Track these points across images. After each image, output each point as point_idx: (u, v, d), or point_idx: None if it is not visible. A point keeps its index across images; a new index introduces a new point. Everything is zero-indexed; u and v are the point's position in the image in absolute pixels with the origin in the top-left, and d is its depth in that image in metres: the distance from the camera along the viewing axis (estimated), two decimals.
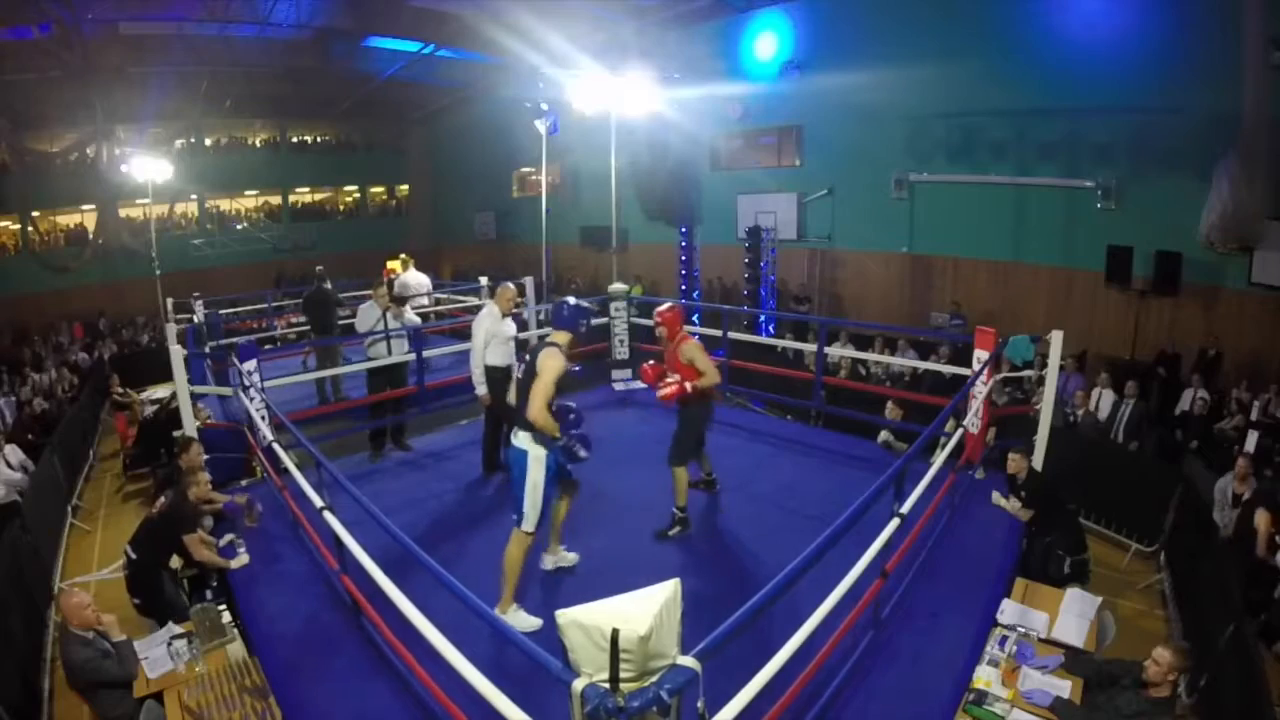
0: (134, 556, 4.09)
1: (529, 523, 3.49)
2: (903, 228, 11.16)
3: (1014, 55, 9.39)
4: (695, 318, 12.46)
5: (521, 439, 3.47)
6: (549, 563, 4.05)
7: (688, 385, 4.27)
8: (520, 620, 3.49)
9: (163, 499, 4.36)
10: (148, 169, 13.08)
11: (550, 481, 3.50)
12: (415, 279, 9.94)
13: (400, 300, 6.55)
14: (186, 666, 3.41)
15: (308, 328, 8.79)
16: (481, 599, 2.37)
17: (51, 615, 4.90)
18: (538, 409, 3.32)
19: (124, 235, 15.47)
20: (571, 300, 3.79)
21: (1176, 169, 8.26)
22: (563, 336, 3.59)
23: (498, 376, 5.14)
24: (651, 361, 4.74)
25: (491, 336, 5.15)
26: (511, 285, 5.40)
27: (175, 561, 4.35)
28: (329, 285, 8.42)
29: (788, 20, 11.86)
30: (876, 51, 10.64)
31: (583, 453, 3.51)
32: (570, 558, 4.09)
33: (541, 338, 3.99)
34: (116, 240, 15.41)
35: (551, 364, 3.37)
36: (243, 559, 4.27)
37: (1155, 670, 2.95)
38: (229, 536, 4.41)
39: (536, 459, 3.44)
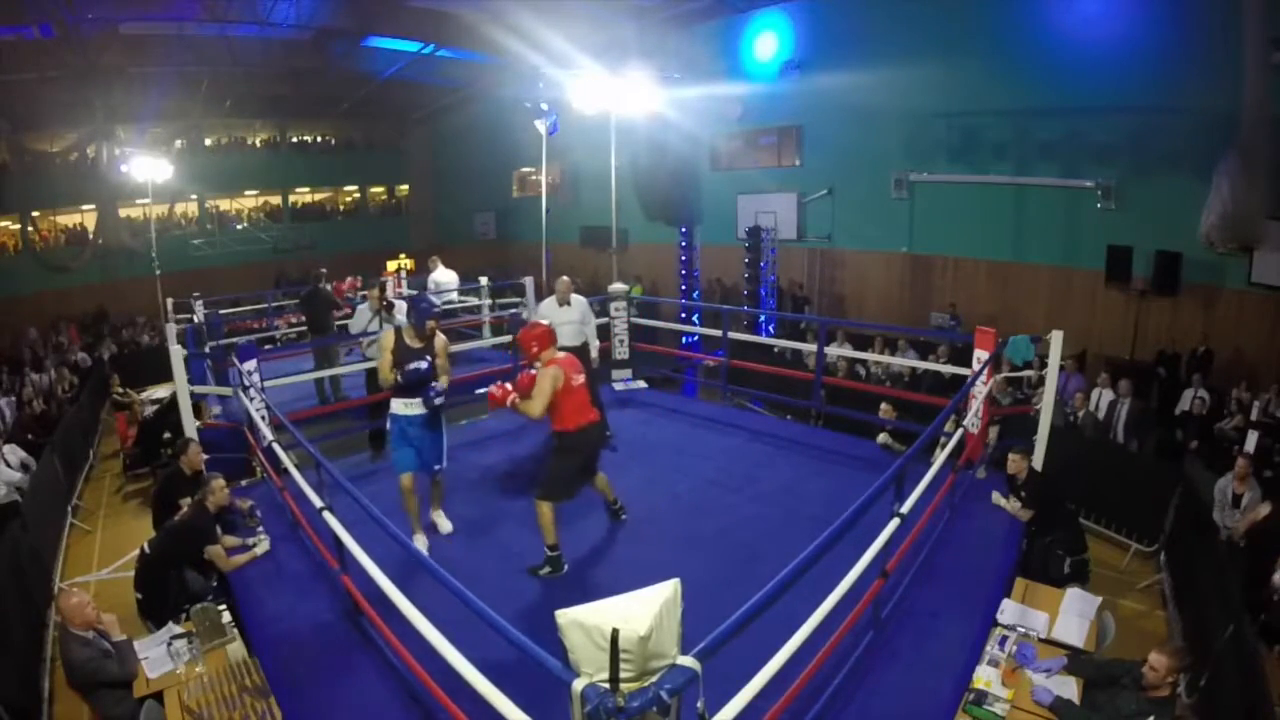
0: (148, 552, 4.13)
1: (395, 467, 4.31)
2: (902, 228, 11.16)
3: (1014, 55, 9.40)
4: (695, 318, 12.48)
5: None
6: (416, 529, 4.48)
7: (513, 398, 3.84)
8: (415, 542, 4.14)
9: (186, 507, 4.39)
10: (148, 169, 13.04)
11: (397, 439, 4.25)
12: (445, 276, 9.95)
13: (390, 306, 6.70)
14: (186, 666, 3.42)
15: (307, 327, 8.81)
16: (482, 599, 2.37)
17: (51, 615, 4.89)
18: (380, 372, 4.25)
19: (124, 235, 15.42)
20: (418, 299, 4.47)
21: (1176, 169, 8.26)
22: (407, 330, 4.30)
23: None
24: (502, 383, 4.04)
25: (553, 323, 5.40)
26: (566, 278, 6.15)
27: None
28: (325, 285, 8.42)
29: (787, 20, 11.86)
30: (876, 51, 10.64)
31: (437, 400, 4.21)
32: (446, 526, 4.52)
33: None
34: (116, 240, 15.36)
35: (381, 343, 4.27)
36: (264, 544, 4.32)
37: (1153, 675, 2.96)
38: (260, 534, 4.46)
39: (390, 418, 4.28)
